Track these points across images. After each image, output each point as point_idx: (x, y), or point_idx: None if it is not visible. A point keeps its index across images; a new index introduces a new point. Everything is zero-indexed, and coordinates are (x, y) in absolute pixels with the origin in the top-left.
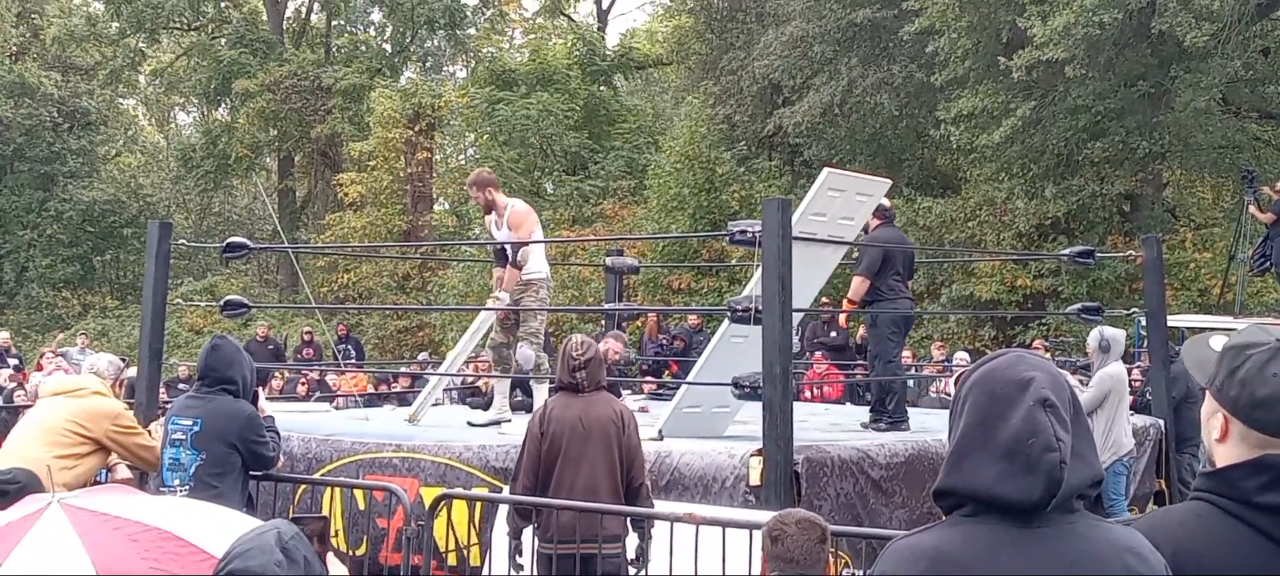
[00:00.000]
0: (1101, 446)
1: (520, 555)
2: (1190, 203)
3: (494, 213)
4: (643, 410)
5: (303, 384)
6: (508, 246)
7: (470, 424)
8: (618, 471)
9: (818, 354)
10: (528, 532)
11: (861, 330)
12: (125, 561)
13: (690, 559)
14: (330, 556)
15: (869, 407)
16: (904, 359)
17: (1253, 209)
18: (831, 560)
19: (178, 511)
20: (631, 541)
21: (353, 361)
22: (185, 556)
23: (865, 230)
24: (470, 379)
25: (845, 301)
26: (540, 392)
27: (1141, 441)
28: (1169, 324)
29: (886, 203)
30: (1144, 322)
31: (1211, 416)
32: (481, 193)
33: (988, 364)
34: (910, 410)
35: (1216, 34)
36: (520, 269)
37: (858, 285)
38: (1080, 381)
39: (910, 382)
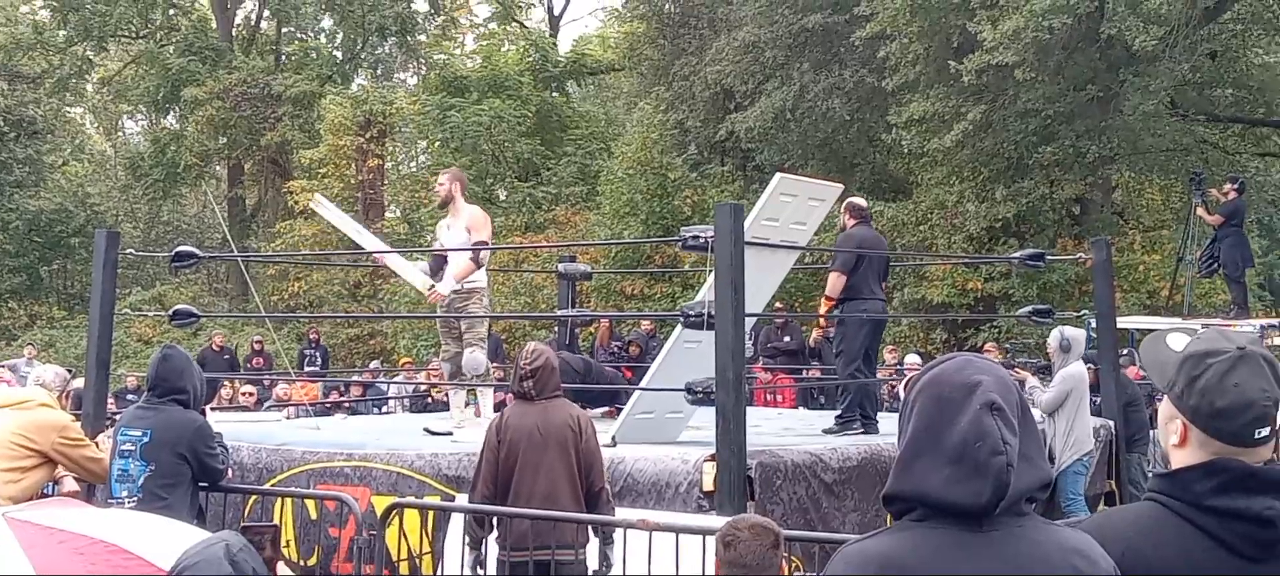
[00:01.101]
0: (1063, 445)
1: (482, 567)
2: (1139, 205)
3: (449, 210)
4: (610, 414)
5: (245, 394)
6: (454, 251)
7: (427, 430)
8: (576, 477)
9: (758, 363)
10: (490, 541)
11: (815, 333)
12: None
13: (644, 565)
14: (280, 565)
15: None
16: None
17: (1201, 211)
18: (785, 565)
19: (125, 524)
20: (594, 548)
21: (318, 368)
22: (132, 569)
23: (842, 229)
24: (423, 388)
25: (823, 299)
26: (485, 398)
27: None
28: (1119, 325)
29: (862, 202)
30: (1094, 325)
31: (1169, 421)
32: (450, 184)
33: (936, 368)
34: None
35: (1164, 38)
36: (480, 266)
37: (835, 281)
38: (1042, 382)
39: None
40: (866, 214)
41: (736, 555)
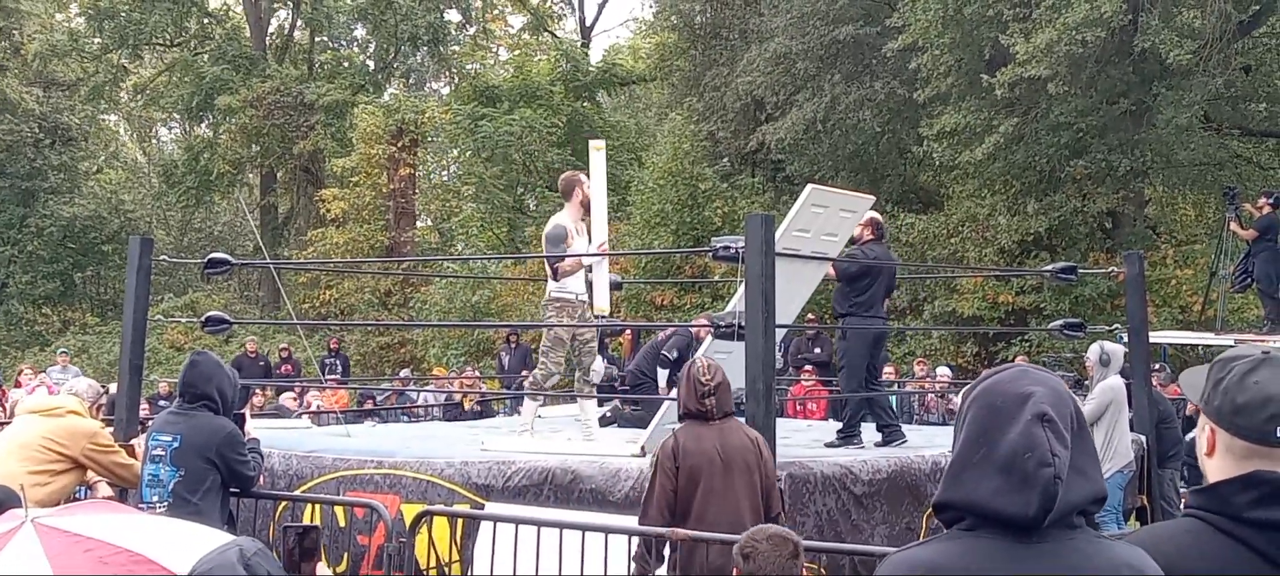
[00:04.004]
0: (1102, 456)
1: None
2: (1172, 219)
3: (581, 215)
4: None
5: (291, 399)
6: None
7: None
8: (759, 501)
9: (805, 368)
10: (661, 571)
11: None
12: None
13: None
14: (321, 565)
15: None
16: (888, 374)
17: (1234, 226)
18: (806, 574)
19: (151, 529)
20: None
21: (338, 376)
22: None
23: (852, 241)
24: (457, 396)
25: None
26: (530, 406)
27: None
28: (1151, 340)
29: (881, 220)
30: (1125, 339)
31: (1202, 432)
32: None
33: (991, 377)
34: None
35: (1198, 51)
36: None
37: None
38: (1078, 395)
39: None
40: (883, 230)
41: (756, 567)
